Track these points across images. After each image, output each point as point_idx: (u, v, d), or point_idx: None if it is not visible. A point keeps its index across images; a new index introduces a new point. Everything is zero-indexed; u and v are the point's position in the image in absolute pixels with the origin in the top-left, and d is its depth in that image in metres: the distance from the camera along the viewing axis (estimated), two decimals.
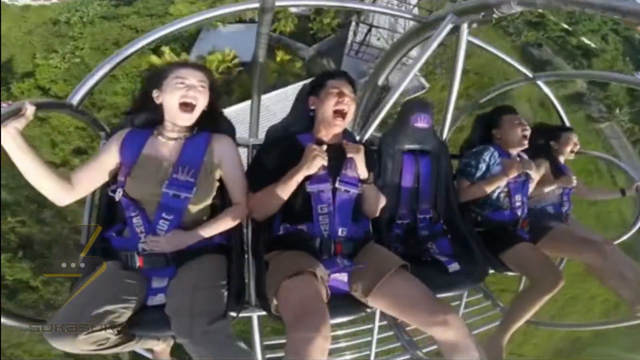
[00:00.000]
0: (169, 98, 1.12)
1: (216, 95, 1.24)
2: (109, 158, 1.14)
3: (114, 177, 1.15)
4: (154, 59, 7.23)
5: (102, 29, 9.00)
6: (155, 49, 7.68)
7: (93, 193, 1.30)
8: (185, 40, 8.66)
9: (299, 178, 1.18)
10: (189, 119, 1.15)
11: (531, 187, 1.82)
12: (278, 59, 7.61)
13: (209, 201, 1.20)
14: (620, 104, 12.69)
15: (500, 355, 1.68)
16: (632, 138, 13.10)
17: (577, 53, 13.05)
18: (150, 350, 1.53)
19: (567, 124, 2.35)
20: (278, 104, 6.38)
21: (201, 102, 1.15)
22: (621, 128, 12.85)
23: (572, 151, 2.11)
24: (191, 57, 7.76)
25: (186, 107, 1.12)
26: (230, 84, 6.91)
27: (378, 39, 8.60)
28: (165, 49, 7.38)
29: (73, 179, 1.08)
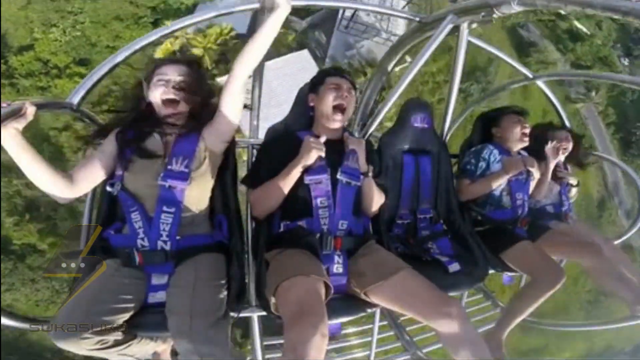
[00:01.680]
0: (153, 96, 1.14)
1: (204, 88, 1.21)
2: (109, 154, 1.15)
3: (113, 172, 1.16)
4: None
5: (104, 4, 8.88)
6: (155, 21, 7.72)
7: (94, 192, 1.30)
8: (183, 15, 8.70)
9: (297, 170, 1.19)
10: (173, 112, 1.15)
11: (532, 184, 1.82)
12: None
13: (207, 193, 1.20)
14: (597, 88, 12.96)
15: (500, 349, 1.68)
16: (606, 120, 13.34)
17: (565, 37, 13.23)
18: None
19: (567, 123, 2.34)
20: (270, 72, 6.78)
21: (184, 96, 1.15)
22: (596, 109, 13.14)
23: (564, 148, 2.09)
24: (189, 30, 7.82)
25: (169, 103, 1.13)
26: (227, 54, 7.54)
27: (367, 15, 8.67)
28: (167, 22, 7.80)
29: (74, 176, 1.09)
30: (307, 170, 1.22)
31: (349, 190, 1.25)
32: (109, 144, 1.16)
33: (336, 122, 1.32)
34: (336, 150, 1.27)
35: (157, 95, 1.13)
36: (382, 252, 1.26)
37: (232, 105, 1.16)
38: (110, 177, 1.15)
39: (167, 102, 1.13)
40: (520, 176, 1.71)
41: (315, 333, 0.86)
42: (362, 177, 1.27)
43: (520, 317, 1.63)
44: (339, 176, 1.24)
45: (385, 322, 2.16)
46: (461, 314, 1.01)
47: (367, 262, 1.19)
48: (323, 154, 1.20)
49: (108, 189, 1.14)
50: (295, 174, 1.19)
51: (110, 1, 9.03)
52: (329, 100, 1.30)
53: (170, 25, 1.38)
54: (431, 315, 1.03)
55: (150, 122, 1.19)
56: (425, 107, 1.72)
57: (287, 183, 1.20)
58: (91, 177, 1.13)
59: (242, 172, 1.41)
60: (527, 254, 1.58)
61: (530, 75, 2.14)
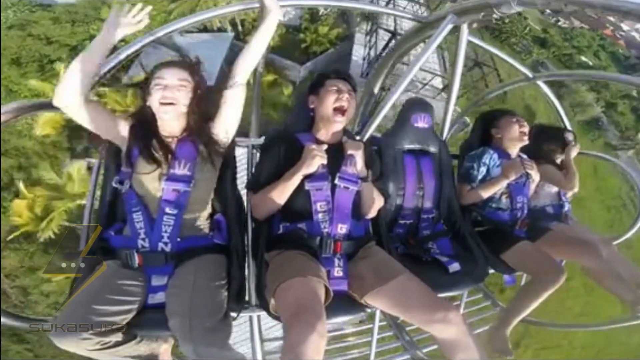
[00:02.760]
0: (152, 100, 1.14)
1: (203, 91, 1.20)
2: (120, 126, 1.15)
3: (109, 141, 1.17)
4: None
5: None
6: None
7: (93, 193, 1.30)
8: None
9: (298, 177, 1.19)
10: (170, 111, 1.13)
11: (532, 187, 1.81)
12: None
13: (209, 194, 1.22)
14: (631, 126, 11.96)
15: (506, 344, 1.70)
16: None
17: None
18: None
19: (568, 125, 2.34)
20: None
21: (182, 99, 1.14)
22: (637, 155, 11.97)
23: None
24: (124, 79, 6.19)
25: (167, 106, 1.12)
26: None
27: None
28: None
29: (91, 100, 1.09)
30: (307, 176, 1.22)
31: (347, 195, 1.25)
32: (122, 127, 1.16)
33: (337, 124, 1.31)
34: (335, 155, 1.26)
35: (155, 99, 1.12)
36: (381, 255, 1.25)
37: (232, 108, 1.20)
38: (117, 172, 1.16)
39: (165, 106, 1.12)
40: (520, 179, 1.71)
41: (314, 333, 0.86)
42: (360, 181, 1.26)
43: (522, 314, 1.66)
44: (336, 182, 1.23)
45: (385, 322, 2.16)
46: (458, 319, 1.02)
47: (366, 266, 1.19)
48: (325, 162, 1.20)
49: (114, 185, 1.15)
50: (296, 180, 1.19)
51: (9, 37, 6.38)
52: (329, 102, 1.29)
53: (166, 27, 1.36)
54: (428, 321, 1.04)
55: (152, 127, 1.18)
56: (425, 107, 1.72)
57: (287, 189, 1.20)
58: (98, 115, 1.11)
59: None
60: (527, 254, 1.58)
61: (530, 75, 2.14)
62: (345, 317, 1.23)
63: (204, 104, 1.19)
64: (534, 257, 1.57)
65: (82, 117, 1.09)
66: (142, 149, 1.13)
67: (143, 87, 1.17)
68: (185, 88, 1.14)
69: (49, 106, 1.22)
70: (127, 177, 1.13)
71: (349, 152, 1.26)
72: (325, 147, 1.23)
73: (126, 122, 1.17)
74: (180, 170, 1.13)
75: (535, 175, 1.78)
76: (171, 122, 1.17)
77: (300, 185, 1.21)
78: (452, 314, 1.01)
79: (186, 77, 1.15)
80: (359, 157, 1.26)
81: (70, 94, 1.03)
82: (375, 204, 1.34)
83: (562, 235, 1.71)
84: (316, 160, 1.18)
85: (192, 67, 1.20)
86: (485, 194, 1.68)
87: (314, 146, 1.20)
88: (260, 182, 1.26)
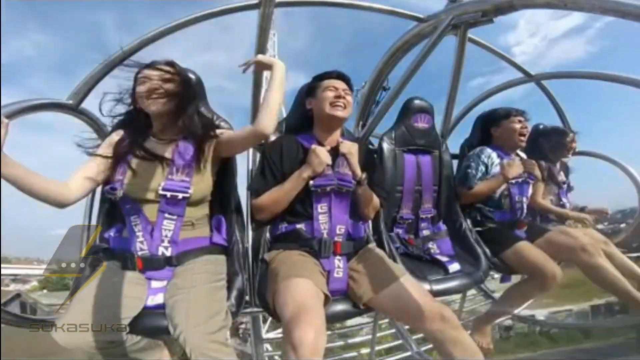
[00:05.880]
0: (138, 94, 1.11)
1: (188, 86, 1.17)
2: (105, 161, 1.12)
3: (110, 176, 1.13)
4: None
5: None
6: None
7: (93, 193, 1.30)
8: None
9: (304, 179, 1.20)
10: (154, 103, 1.10)
11: (532, 187, 1.81)
12: None
13: (208, 197, 1.21)
14: None
15: (487, 339, 1.76)
16: None
17: None
18: None
19: (570, 124, 2.34)
20: None
21: (165, 87, 1.10)
22: None
23: (568, 150, 2.11)
24: None
25: (153, 97, 1.09)
26: None
27: None
28: None
29: (70, 184, 1.06)
30: (313, 177, 1.22)
31: (342, 195, 1.26)
32: (106, 147, 1.14)
33: (337, 113, 1.29)
34: (333, 156, 1.27)
35: (142, 91, 1.09)
36: (380, 258, 1.25)
37: (250, 140, 1.17)
38: (107, 182, 1.13)
39: (150, 97, 1.09)
40: (519, 179, 1.71)
41: (313, 333, 0.86)
42: (353, 182, 1.26)
43: (510, 309, 1.68)
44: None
45: (386, 320, 2.16)
46: (453, 322, 1.03)
47: (364, 271, 1.19)
48: (330, 162, 1.22)
49: (107, 195, 1.12)
50: (302, 182, 1.21)
51: None
52: (327, 101, 1.30)
53: (156, 28, 1.36)
54: (424, 324, 1.05)
55: (146, 126, 1.17)
56: (426, 107, 1.71)
57: (292, 191, 1.21)
58: (87, 184, 1.09)
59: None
60: (525, 254, 1.58)
61: (531, 74, 2.13)
62: (346, 317, 1.23)
63: (195, 103, 1.17)
64: (532, 258, 1.57)
65: (84, 191, 1.09)
66: (139, 155, 1.11)
67: (132, 95, 1.14)
68: (169, 83, 1.11)
69: (49, 106, 1.22)
70: (119, 185, 1.09)
71: (342, 152, 1.26)
72: (328, 148, 1.23)
73: (107, 148, 1.14)
74: (177, 176, 1.12)
75: (536, 173, 1.77)
76: (163, 122, 1.15)
77: (304, 186, 1.22)
78: (447, 317, 1.03)
79: (168, 71, 1.12)
80: (353, 157, 1.26)
81: (63, 202, 1.04)
82: (373, 205, 1.34)
83: (561, 236, 1.71)
84: (323, 162, 1.19)
85: (173, 65, 1.16)
86: (484, 193, 1.68)
87: (319, 148, 1.21)
88: (262, 185, 1.26)
